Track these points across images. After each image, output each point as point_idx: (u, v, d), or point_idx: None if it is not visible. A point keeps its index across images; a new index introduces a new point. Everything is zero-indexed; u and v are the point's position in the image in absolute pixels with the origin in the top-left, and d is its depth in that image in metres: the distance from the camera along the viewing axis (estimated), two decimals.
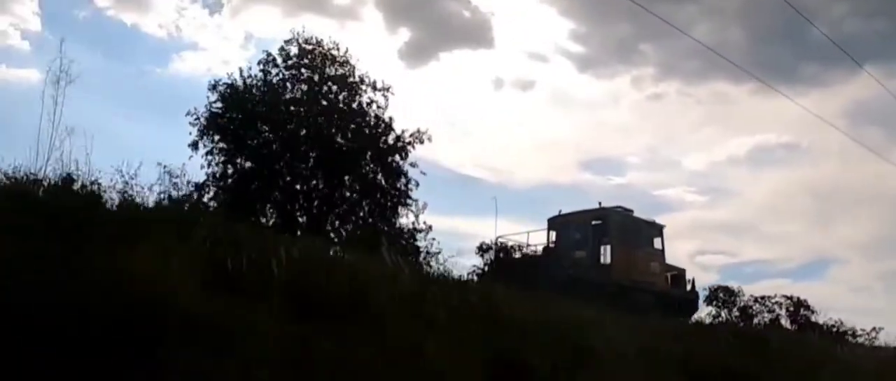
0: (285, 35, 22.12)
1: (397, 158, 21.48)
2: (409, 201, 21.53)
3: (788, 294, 26.90)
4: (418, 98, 52.59)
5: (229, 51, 43.18)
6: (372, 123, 21.47)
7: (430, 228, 21.52)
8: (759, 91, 51.31)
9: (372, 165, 21.24)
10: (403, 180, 21.49)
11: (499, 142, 51.84)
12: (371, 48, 50.26)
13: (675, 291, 23.02)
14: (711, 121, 56.56)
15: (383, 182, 21.33)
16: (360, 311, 5.70)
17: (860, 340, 22.09)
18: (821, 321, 24.55)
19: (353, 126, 21.17)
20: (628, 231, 22.94)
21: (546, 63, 60.38)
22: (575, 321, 6.07)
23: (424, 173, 21.75)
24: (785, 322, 25.21)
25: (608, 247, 22.77)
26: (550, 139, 52.13)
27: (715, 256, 55.64)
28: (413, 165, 21.60)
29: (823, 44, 39.47)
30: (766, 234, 48.29)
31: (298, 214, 20.86)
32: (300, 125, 20.94)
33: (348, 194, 21.29)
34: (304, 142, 20.87)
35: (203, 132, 20.63)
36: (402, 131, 21.58)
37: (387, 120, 21.65)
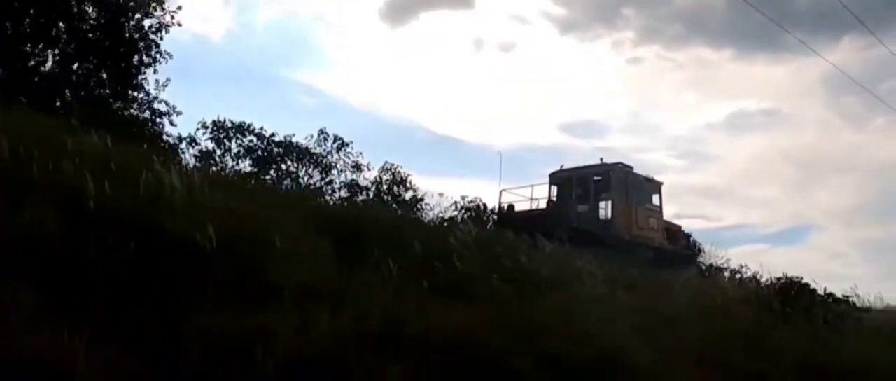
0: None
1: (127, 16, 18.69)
2: (142, 71, 18.86)
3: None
4: (399, 58, 52.69)
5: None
6: None
7: (174, 110, 19.45)
8: (739, 57, 50.77)
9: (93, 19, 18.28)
10: (137, 44, 18.85)
11: (479, 103, 53.04)
12: (351, 7, 50.85)
13: (672, 246, 22.88)
14: (691, 86, 55.05)
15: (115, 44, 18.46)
16: None
17: None
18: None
19: None
20: (629, 187, 23.00)
21: (527, 25, 58.79)
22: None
23: (163, 31, 19.17)
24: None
25: (609, 202, 23.04)
26: (531, 101, 53.06)
27: (693, 220, 54.43)
28: (147, 20, 18.67)
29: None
30: (746, 199, 48.08)
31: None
32: None
33: (79, 62, 18.44)
34: None
35: None
36: None
37: None
